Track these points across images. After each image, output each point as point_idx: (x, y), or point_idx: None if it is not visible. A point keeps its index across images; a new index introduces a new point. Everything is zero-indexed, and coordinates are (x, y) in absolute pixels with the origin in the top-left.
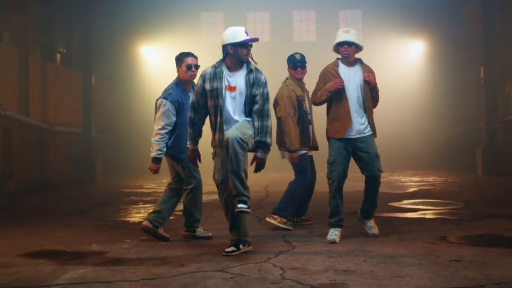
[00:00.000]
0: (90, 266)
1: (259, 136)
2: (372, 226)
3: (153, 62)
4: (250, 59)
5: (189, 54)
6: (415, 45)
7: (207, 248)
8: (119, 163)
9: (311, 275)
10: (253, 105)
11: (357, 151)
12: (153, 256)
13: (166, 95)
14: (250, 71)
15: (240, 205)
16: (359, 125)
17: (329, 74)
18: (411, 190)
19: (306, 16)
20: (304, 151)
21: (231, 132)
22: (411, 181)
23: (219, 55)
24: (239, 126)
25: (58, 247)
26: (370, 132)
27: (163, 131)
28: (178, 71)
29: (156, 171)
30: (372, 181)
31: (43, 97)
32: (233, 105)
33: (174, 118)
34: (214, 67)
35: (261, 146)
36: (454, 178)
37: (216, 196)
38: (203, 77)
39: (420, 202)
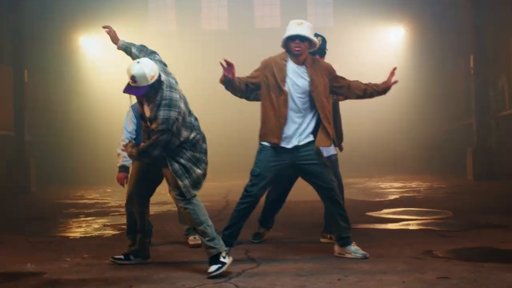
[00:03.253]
0: None
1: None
2: (357, 249)
3: (95, 54)
4: None
5: None
6: (395, 31)
7: (159, 267)
8: (57, 171)
9: None
10: None
11: (298, 162)
12: (97, 276)
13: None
14: None
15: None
16: (299, 133)
17: (276, 67)
18: (392, 197)
19: None
20: None
21: None
22: (392, 187)
23: (169, 45)
24: None
25: None
26: (311, 139)
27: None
28: None
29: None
30: (327, 194)
31: None
32: None
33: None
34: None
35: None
36: (441, 183)
37: (167, 207)
38: None
39: (402, 211)
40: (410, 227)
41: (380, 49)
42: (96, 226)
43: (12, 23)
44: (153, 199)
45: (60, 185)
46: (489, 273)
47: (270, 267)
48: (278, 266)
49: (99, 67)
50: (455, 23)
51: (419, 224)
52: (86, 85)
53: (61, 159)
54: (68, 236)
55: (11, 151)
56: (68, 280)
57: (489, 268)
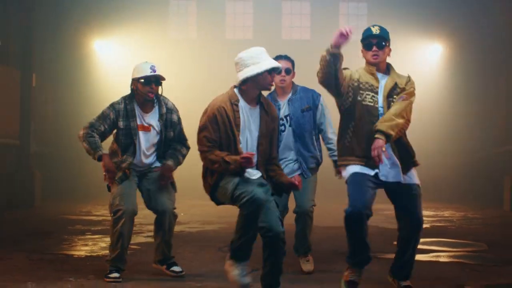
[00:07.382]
0: None
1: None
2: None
3: (108, 60)
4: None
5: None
6: (432, 48)
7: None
8: (64, 184)
9: None
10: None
11: None
12: None
13: None
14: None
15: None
16: None
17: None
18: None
19: (298, 8)
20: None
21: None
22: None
23: (190, 53)
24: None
25: None
26: None
27: None
28: None
29: None
30: None
31: None
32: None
33: None
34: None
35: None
36: (475, 213)
37: (180, 228)
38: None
39: (432, 241)
40: (441, 259)
41: (415, 67)
42: (103, 244)
43: (21, 22)
44: None
45: (67, 199)
46: None
47: None
48: None
49: (112, 73)
50: (497, 41)
51: (450, 257)
52: (99, 92)
53: (69, 172)
54: (72, 255)
55: (15, 161)
56: None
57: None
